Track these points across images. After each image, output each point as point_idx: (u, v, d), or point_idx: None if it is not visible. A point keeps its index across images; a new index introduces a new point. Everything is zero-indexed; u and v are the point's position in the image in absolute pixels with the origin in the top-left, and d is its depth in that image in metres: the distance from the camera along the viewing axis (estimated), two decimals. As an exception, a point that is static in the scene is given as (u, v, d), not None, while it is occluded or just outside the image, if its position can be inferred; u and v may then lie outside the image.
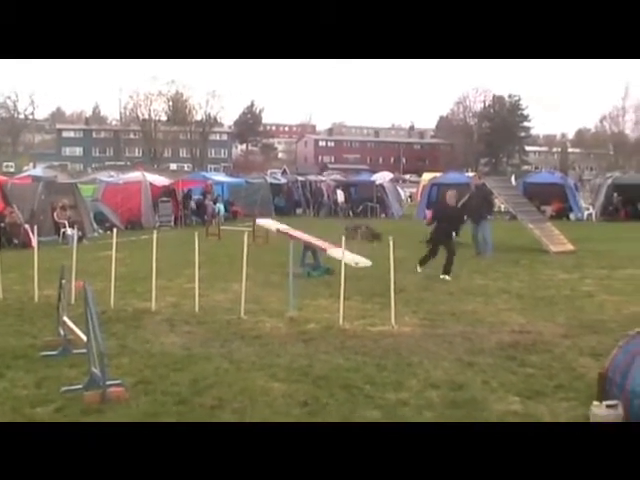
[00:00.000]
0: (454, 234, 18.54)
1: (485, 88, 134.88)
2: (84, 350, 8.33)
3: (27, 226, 24.17)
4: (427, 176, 53.05)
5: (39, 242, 15.85)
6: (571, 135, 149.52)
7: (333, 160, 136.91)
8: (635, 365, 6.66)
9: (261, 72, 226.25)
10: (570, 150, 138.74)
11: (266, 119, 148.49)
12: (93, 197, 33.49)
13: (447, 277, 16.42)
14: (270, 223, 20.29)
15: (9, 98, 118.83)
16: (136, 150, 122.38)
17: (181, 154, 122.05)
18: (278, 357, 9.65)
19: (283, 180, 50.08)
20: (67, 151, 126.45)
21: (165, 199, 35.66)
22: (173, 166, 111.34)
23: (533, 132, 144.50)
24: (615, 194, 41.15)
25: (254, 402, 7.73)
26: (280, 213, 40.45)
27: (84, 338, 8.24)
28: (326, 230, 22.19)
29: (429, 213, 39.33)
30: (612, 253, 22.19)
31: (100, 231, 29.72)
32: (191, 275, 13.90)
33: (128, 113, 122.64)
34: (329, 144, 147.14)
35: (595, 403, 6.74)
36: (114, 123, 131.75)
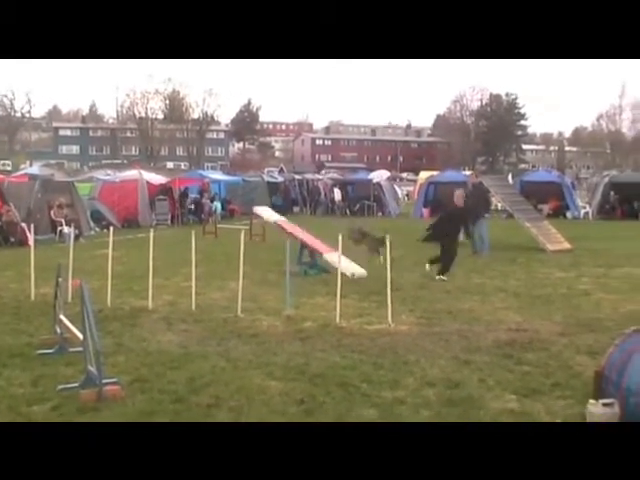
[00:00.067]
0: (461, 234, 18.55)
1: (482, 87, 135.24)
2: (80, 348, 8.32)
3: (24, 224, 24.17)
4: (424, 174, 53.01)
5: (36, 240, 15.81)
6: (568, 133, 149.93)
7: (330, 159, 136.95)
8: (631, 363, 6.67)
9: (258, 70, 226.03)
10: (567, 149, 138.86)
11: (263, 117, 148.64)
12: (90, 195, 33.50)
13: (442, 277, 16.38)
14: (268, 213, 20.32)
15: (6, 96, 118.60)
16: (133, 148, 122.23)
17: (178, 152, 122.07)
18: (275, 355, 9.65)
19: (280, 178, 50.11)
20: (64, 149, 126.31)
21: (162, 197, 35.65)
22: (170, 164, 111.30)
23: (530, 130, 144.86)
24: (612, 193, 41.19)
25: (251, 400, 7.73)
26: (277, 211, 40.20)
27: (80, 336, 8.23)
28: (323, 229, 22.23)
29: (426, 212, 39.77)
30: (609, 252, 22.21)
31: (97, 229, 29.69)
32: (188, 273, 13.90)
33: (125, 111, 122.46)
34: (326, 142, 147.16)
35: (591, 401, 6.74)
36: (111, 121, 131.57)
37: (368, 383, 8.37)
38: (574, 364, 9.19)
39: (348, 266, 15.33)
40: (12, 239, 24.48)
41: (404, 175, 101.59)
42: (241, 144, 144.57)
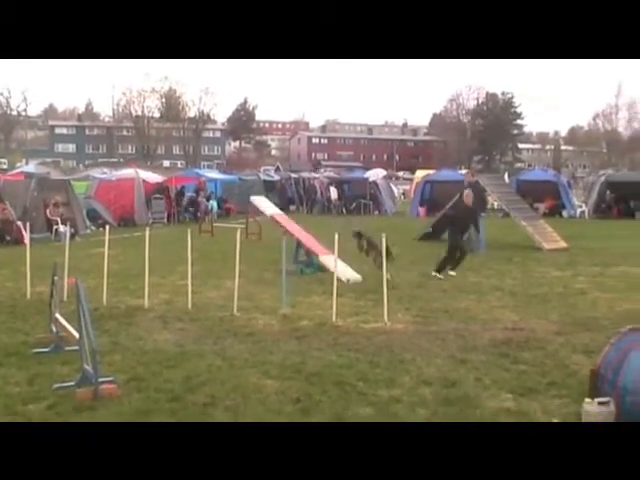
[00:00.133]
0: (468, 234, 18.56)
1: (478, 85, 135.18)
2: (76, 347, 8.32)
3: (19, 223, 24.10)
4: (420, 173, 53.12)
5: (31, 239, 15.83)
6: (564, 133, 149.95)
7: (326, 157, 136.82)
8: (627, 362, 6.67)
9: (254, 69, 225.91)
10: (563, 148, 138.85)
11: (259, 116, 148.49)
12: (86, 194, 33.42)
13: (439, 275, 16.39)
14: (265, 204, 20.29)
15: (2, 94, 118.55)
16: (129, 147, 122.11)
17: (174, 151, 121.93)
18: (271, 354, 9.64)
19: (276, 177, 50.05)
20: (60, 148, 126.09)
21: (158, 196, 35.62)
22: (166, 163, 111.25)
23: (526, 130, 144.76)
24: (608, 192, 41.23)
25: (247, 399, 7.73)
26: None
27: (76, 335, 8.23)
28: (319, 228, 22.22)
29: (422, 210, 39.79)
30: (605, 250, 22.23)
31: (93, 228, 29.67)
32: (184, 272, 13.89)
33: (121, 110, 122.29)
34: (322, 141, 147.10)
35: (587, 400, 6.75)
36: (107, 120, 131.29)
37: (364, 382, 8.38)
38: (570, 363, 9.20)
39: (344, 271, 15.31)
40: (8, 237, 24.44)
41: (400, 174, 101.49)
42: (237, 143, 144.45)
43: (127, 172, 38.29)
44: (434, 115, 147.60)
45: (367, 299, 13.45)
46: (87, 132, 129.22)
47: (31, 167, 44.35)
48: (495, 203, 33.35)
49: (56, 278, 9.90)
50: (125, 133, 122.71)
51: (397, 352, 9.77)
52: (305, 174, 54.91)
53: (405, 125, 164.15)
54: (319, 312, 12.37)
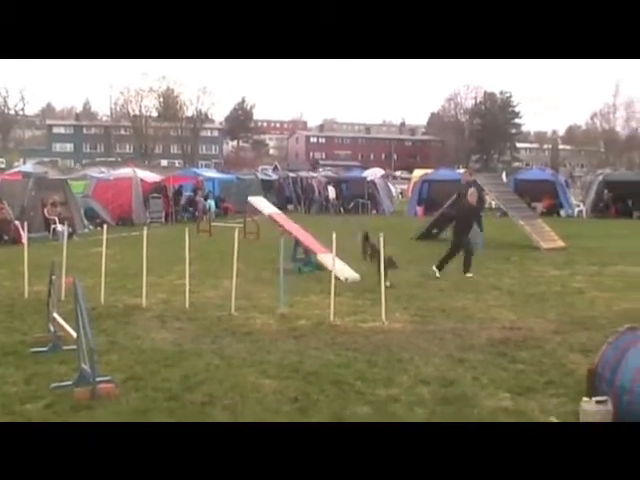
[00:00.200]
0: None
1: (476, 85, 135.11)
2: (74, 346, 8.32)
3: (17, 222, 24.11)
4: (418, 172, 53.07)
5: (29, 238, 15.79)
6: (562, 132, 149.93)
7: (324, 156, 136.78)
8: (625, 361, 6.68)
9: (252, 68, 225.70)
10: (561, 147, 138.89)
11: (257, 115, 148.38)
12: (84, 193, 33.45)
13: (437, 273, 16.39)
14: (262, 204, 20.28)
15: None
16: (127, 146, 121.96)
17: (172, 150, 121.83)
18: (269, 353, 9.64)
19: (274, 176, 50.07)
20: (57, 147, 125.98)
21: (156, 195, 35.61)
22: (164, 162, 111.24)
23: (524, 129, 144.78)
24: (606, 191, 41.27)
25: (245, 398, 7.74)
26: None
27: (74, 334, 8.22)
28: (317, 227, 22.21)
29: (420, 210, 39.79)
30: (602, 250, 22.24)
31: (90, 227, 29.68)
32: (182, 271, 13.89)
33: (119, 109, 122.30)
34: (320, 140, 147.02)
35: (585, 399, 6.75)
36: (105, 119, 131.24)
37: (362, 381, 8.38)
38: (568, 362, 9.21)
39: (342, 269, 15.32)
40: (5, 237, 24.43)
41: (397, 173, 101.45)
42: (235, 142, 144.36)
43: (125, 171, 38.27)
44: (432, 114, 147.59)
45: (365, 298, 13.45)
46: (85, 131, 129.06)
47: (29, 166, 44.29)
48: (493, 202, 33.33)
49: (54, 277, 9.90)
50: (123, 132, 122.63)
51: (395, 351, 9.78)
52: (303, 173, 54.88)
53: (403, 124, 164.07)
54: (317, 311, 12.37)
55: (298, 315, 12.13)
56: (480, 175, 29.12)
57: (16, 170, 38.97)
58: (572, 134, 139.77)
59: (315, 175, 53.58)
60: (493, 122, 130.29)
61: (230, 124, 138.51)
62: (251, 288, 14.57)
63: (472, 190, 17.96)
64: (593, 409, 6.61)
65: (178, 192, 38.26)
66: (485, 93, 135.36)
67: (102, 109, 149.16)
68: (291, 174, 51.29)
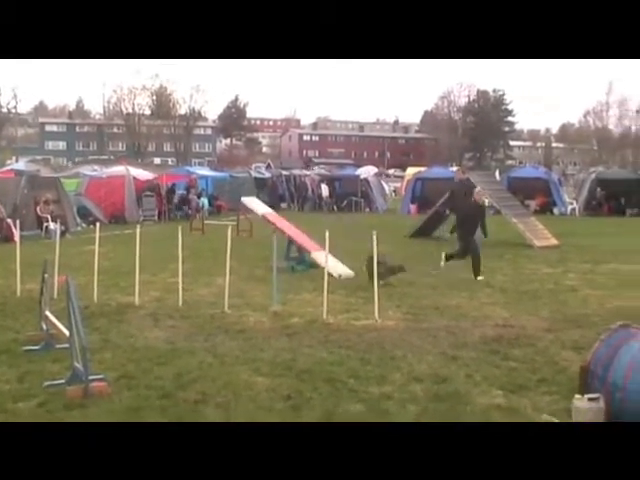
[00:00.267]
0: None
1: (469, 83, 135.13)
2: (67, 345, 8.31)
3: (9, 220, 24.06)
4: (411, 170, 53.10)
5: (22, 236, 15.78)
6: (555, 130, 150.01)
7: (317, 154, 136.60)
8: (617, 358, 6.69)
9: (246, 67, 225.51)
10: (554, 145, 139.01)
11: (250, 113, 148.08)
12: (76, 191, 33.37)
13: (442, 264, 16.39)
14: (255, 204, 20.28)
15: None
16: (120, 144, 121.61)
17: (165, 148, 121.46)
18: (262, 351, 9.65)
19: (267, 174, 49.98)
20: (50, 145, 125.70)
21: (149, 193, 35.57)
22: (157, 160, 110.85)
23: (517, 127, 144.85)
24: (598, 189, 41.35)
25: (238, 396, 7.74)
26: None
27: (67, 333, 8.22)
28: (311, 225, 22.19)
29: (414, 208, 39.83)
30: (595, 248, 22.29)
31: (83, 225, 29.63)
32: (175, 269, 13.88)
33: (112, 107, 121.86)
34: (313, 138, 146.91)
35: (577, 396, 6.76)
36: (97, 117, 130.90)
37: (355, 379, 8.39)
38: (560, 359, 9.23)
39: (335, 266, 15.34)
40: (-2, 235, 24.38)
41: (391, 171, 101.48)
42: (228, 140, 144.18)
43: (118, 169, 38.20)
44: (425, 112, 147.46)
45: (358, 296, 13.46)
46: (78, 129, 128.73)
47: (21, 165, 44.08)
48: (486, 200, 33.34)
49: (46, 276, 9.88)
50: (116, 130, 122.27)
51: (388, 349, 9.79)
52: (296, 171, 54.84)
53: (396, 122, 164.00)
54: (310, 309, 12.38)
55: (291, 313, 12.13)
56: (473, 173, 29.11)
57: (8, 168, 38.78)
58: (565, 132, 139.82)
59: (308, 173, 53.56)
60: (486, 120, 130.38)
61: (223, 122, 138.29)
62: (244, 286, 14.57)
63: (479, 189, 17.94)
64: (585, 406, 6.62)
65: (171, 190, 38.21)
66: (478, 91, 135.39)
67: (95, 107, 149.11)
68: (284, 172, 51.25)
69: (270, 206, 21.23)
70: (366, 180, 46.30)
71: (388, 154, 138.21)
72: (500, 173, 48.76)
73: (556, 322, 11.53)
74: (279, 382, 8.25)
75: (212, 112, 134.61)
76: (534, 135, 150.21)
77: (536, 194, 41.10)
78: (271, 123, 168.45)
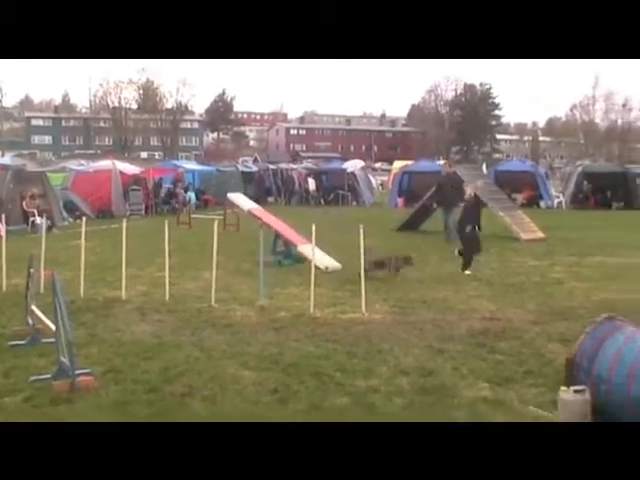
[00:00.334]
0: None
1: (456, 77, 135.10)
2: (53, 339, 8.29)
3: (-5, 215, 23.94)
4: (398, 164, 53.09)
5: (7, 231, 15.73)
6: (542, 124, 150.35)
7: (304, 148, 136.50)
8: (602, 350, 6.72)
9: (232, 61, 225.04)
10: (541, 139, 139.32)
11: (237, 107, 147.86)
12: (63, 186, 33.23)
13: (467, 271, 16.24)
14: (242, 200, 20.28)
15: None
16: (106, 139, 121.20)
17: (152, 142, 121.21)
18: (249, 345, 9.65)
19: (254, 168, 49.85)
20: (36, 139, 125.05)
21: (135, 188, 35.44)
22: (144, 154, 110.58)
23: (504, 120, 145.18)
24: (585, 182, 41.43)
25: (224, 390, 7.75)
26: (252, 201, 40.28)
27: (53, 327, 8.20)
28: (298, 219, 22.19)
29: (401, 201, 39.85)
30: (582, 241, 22.34)
31: (70, 220, 29.49)
32: (162, 264, 13.85)
33: (98, 101, 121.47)
34: (300, 132, 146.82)
35: (563, 388, 6.78)
36: (84, 111, 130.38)
37: (342, 372, 8.41)
38: (546, 352, 9.27)
39: (322, 259, 15.34)
40: (-16, 230, 24.27)
41: (377, 165, 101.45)
42: (215, 134, 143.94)
43: (104, 164, 38.08)
44: (412, 106, 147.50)
45: (345, 290, 13.47)
46: (64, 124, 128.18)
47: (7, 159, 43.85)
48: (473, 194, 33.39)
49: (32, 270, 9.86)
50: (102, 125, 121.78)
51: (375, 342, 9.80)
52: (283, 165, 54.73)
53: (383, 116, 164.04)
54: (297, 303, 12.38)
55: (278, 307, 12.14)
56: (460, 166, 29.15)
57: (-6, 163, 38.69)
58: (552, 126, 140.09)
59: (295, 167, 53.48)
60: (473, 114, 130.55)
61: (210, 116, 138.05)
62: (231, 280, 14.56)
63: (479, 183, 17.86)
64: (571, 398, 6.64)
65: (158, 184, 38.09)
66: (465, 85, 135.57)
67: (81, 101, 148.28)
68: (271, 166, 51.10)
69: (257, 200, 21.27)
70: (353, 174, 46.23)
71: (375, 148, 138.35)
72: (487, 167, 48.89)
73: (542, 315, 11.57)
74: (266, 376, 8.26)
75: (199, 106, 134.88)
76: (521, 129, 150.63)
77: (523, 187, 41.17)
78: (258, 117, 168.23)
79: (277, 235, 17.58)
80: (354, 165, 50.36)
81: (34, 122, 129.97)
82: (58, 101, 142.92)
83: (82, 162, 44.13)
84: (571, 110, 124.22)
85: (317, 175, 48.02)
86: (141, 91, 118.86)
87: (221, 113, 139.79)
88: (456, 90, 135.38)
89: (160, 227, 14.06)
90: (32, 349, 9.33)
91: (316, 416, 6.92)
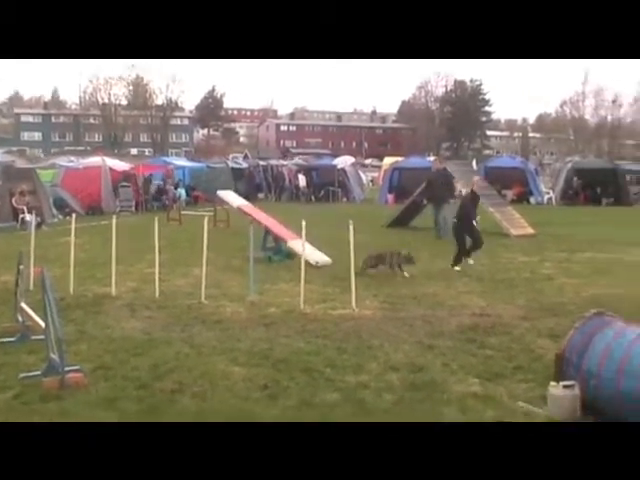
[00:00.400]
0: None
1: (447, 73, 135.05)
2: (42, 336, 8.27)
3: (-15, 212, 23.89)
4: (388, 160, 53.14)
5: (-3, 228, 15.67)
6: (532, 120, 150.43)
7: (295, 144, 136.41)
8: (592, 345, 6.74)
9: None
10: (531, 135, 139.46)
11: (227, 103, 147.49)
12: (52, 182, 33.18)
13: (470, 261, 16.22)
14: (231, 197, 20.28)
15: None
16: (96, 135, 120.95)
17: (142, 139, 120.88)
18: (239, 341, 9.65)
19: (244, 164, 49.81)
20: (26, 136, 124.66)
21: (125, 184, 35.39)
22: (134, 151, 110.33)
23: (494, 117, 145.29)
24: (575, 178, 41.60)
25: (214, 386, 7.75)
26: (241, 197, 40.20)
27: (42, 324, 8.19)
28: (288, 215, 22.17)
29: (391, 197, 39.87)
30: (571, 237, 22.40)
31: (60, 217, 29.43)
32: (152, 260, 13.83)
33: (88, 97, 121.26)
34: (291, 128, 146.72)
35: (552, 383, 6.81)
36: (74, 107, 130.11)
37: (332, 368, 8.41)
38: (536, 347, 9.29)
39: (312, 254, 15.35)
40: (-27, 227, 24.22)
41: (368, 161, 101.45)
42: (205, 130, 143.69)
43: (94, 160, 38.01)
44: (403, 102, 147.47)
45: (335, 286, 13.47)
46: (53, 120, 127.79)
47: (-4, 156, 43.86)
48: (463, 190, 33.43)
49: (22, 267, 9.84)
50: (92, 121, 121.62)
51: (365, 338, 9.81)
52: (273, 161, 54.69)
53: (374, 112, 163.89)
54: (287, 299, 12.38)
55: (268, 303, 12.13)
56: (450, 163, 29.23)
57: (-16, 159, 38.57)
58: (542, 122, 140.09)
59: (286, 163, 53.44)
60: (464, 110, 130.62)
61: (200, 112, 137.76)
62: (221, 276, 14.55)
63: (477, 178, 17.85)
64: (560, 394, 6.67)
65: (148, 181, 38.03)
66: (455, 81, 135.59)
67: (71, 97, 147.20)
68: (261, 162, 51.09)
69: (247, 196, 21.24)
70: (343, 170, 46.22)
71: (365, 144, 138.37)
72: (477, 163, 48.93)
73: (532, 310, 11.59)
74: (256, 372, 8.26)
75: (189, 102, 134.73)
76: (511, 125, 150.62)
77: (513, 184, 41.26)
78: (248, 113, 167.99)
79: (267, 231, 17.58)
80: (344, 161, 50.37)
81: (23, 118, 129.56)
82: (48, 97, 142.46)
83: (72, 159, 44.06)
84: (561, 106, 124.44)
85: (307, 171, 47.99)
86: (131, 87, 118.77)
87: (211, 109, 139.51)
88: (446, 86, 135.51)
89: (150, 224, 14.04)
90: (22, 346, 9.31)
91: (306, 412, 6.93)
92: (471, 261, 16.29)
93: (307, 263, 12.92)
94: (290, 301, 12.16)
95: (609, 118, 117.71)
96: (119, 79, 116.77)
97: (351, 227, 11.73)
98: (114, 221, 13.34)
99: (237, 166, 47.72)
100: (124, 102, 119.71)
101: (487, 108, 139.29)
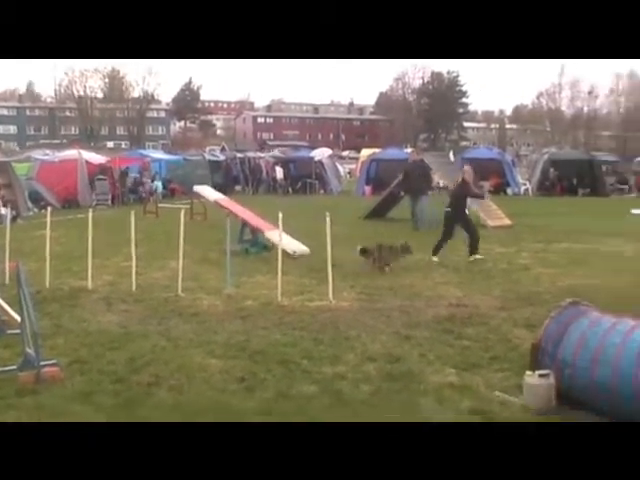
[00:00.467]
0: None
1: (424, 64, 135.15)
2: (18, 330, 8.23)
3: (-41, 206, 23.73)
4: (366, 152, 53.15)
5: (-29, 222, 15.55)
6: (509, 111, 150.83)
7: (272, 137, 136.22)
8: (567, 335, 6.78)
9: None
10: (508, 126, 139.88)
11: (204, 96, 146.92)
12: (28, 176, 33.01)
13: (477, 256, 16.15)
14: (208, 192, 20.26)
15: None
16: (72, 128, 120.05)
17: (118, 132, 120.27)
18: (215, 334, 9.64)
19: (222, 157, 49.69)
20: (0, 129, 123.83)
21: (101, 177, 35.19)
22: (110, 144, 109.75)
23: (471, 108, 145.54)
24: (551, 169, 41.81)
25: (191, 379, 7.75)
26: (219, 190, 39.99)
27: (18, 318, 8.15)
28: (265, 207, 22.16)
29: (368, 189, 39.91)
30: (548, 227, 22.53)
31: (35, 210, 29.29)
32: (128, 253, 13.78)
33: (63, 90, 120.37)
34: (268, 120, 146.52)
35: (528, 373, 6.85)
36: (49, 100, 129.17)
37: (309, 359, 8.42)
38: (512, 337, 9.34)
39: (290, 244, 15.35)
40: (-52, 220, 24.03)
41: (345, 153, 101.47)
42: (182, 123, 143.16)
43: (70, 153, 37.75)
44: (380, 94, 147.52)
45: (312, 277, 13.48)
46: (28, 113, 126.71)
47: (-29, 149, 43.56)
48: (440, 181, 33.53)
49: (-4, 261, 9.79)
50: (68, 114, 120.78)
51: (342, 329, 9.83)
52: (250, 154, 54.56)
53: (351, 104, 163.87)
54: (264, 291, 12.37)
55: (245, 295, 12.12)
56: (428, 154, 29.29)
57: (-42, 153, 38.30)
58: (519, 113, 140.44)
59: (263, 155, 53.34)
60: (441, 101, 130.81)
61: (177, 105, 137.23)
62: (198, 269, 14.53)
63: (467, 167, 17.83)
64: (536, 382, 6.71)
65: (124, 174, 37.82)
66: (433, 73, 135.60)
67: (46, 90, 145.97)
68: (239, 154, 50.95)
69: (224, 189, 21.18)
70: (321, 162, 46.22)
71: (343, 136, 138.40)
72: (454, 154, 49.07)
73: (509, 301, 11.65)
74: (233, 364, 8.26)
75: (165, 95, 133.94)
76: (488, 116, 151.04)
77: (490, 175, 41.22)
78: (225, 105, 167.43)
79: (244, 224, 17.56)
80: (322, 153, 50.35)
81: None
82: (22, 90, 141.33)
83: (47, 152, 43.70)
84: (537, 98, 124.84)
85: (285, 164, 47.95)
86: (107, 80, 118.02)
87: (188, 102, 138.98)
88: (423, 78, 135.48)
89: (127, 217, 13.98)
90: (-3, 340, 9.26)
91: (283, 404, 6.95)
92: (479, 256, 16.16)
93: (284, 255, 12.90)
94: (267, 293, 12.15)
95: (585, 109, 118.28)
96: (95, 72, 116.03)
97: (328, 219, 11.73)
98: (90, 214, 13.28)
99: (214, 159, 47.61)
100: (100, 95, 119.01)
101: (464, 100, 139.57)
